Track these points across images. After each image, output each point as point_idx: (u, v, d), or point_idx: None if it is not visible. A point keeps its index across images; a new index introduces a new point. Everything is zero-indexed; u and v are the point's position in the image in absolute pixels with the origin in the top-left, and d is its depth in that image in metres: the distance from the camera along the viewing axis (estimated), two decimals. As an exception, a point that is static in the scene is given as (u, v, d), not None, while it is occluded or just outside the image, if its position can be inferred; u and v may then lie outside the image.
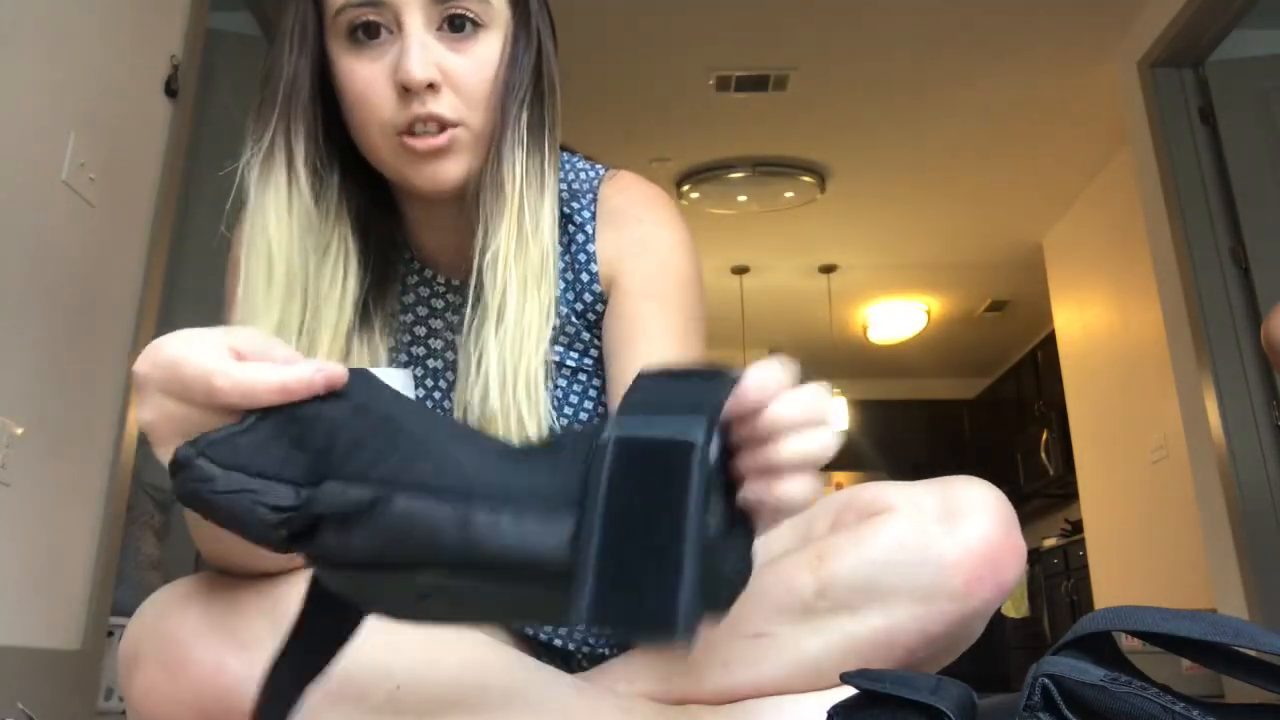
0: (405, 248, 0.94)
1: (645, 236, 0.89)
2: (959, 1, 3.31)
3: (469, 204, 0.84)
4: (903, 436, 7.17)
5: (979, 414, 7.28)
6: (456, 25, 0.80)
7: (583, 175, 0.93)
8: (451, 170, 0.81)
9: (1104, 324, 4.49)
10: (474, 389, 0.80)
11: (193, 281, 2.62)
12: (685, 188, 4.51)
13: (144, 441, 2.30)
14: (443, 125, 0.80)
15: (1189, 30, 3.08)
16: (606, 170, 0.95)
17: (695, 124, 4.06)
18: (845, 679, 0.66)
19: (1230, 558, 2.89)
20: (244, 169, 0.83)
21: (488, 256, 0.82)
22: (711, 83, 3.78)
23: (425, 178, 0.82)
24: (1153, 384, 3.85)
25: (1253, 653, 0.56)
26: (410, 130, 0.80)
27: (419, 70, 0.77)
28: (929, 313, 6.13)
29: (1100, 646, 0.58)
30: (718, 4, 3.34)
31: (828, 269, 5.52)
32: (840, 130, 4.13)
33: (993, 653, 5.74)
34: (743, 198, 4.64)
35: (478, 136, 0.82)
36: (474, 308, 0.83)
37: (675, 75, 3.74)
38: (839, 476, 6.89)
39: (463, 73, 0.80)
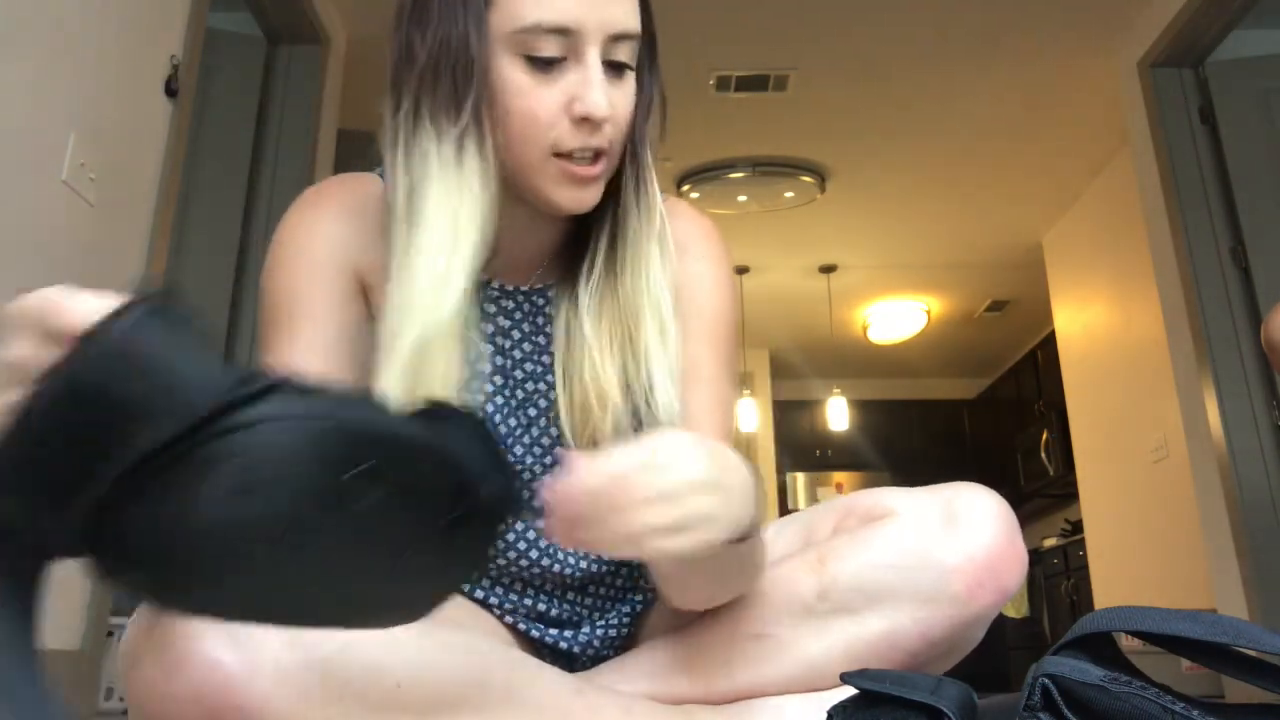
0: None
1: (701, 275, 0.94)
2: (959, 2, 3.31)
3: (594, 216, 0.89)
4: (903, 436, 7.16)
5: (979, 414, 7.28)
6: (617, 65, 0.84)
7: None
8: (594, 195, 0.85)
9: (1104, 324, 4.49)
10: (608, 392, 0.86)
11: (193, 281, 2.62)
12: (685, 188, 4.51)
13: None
14: (596, 153, 0.83)
15: (1189, 30, 3.07)
16: (661, 195, 0.96)
17: (695, 124, 4.06)
18: (845, 679, 0.66)
19: (1230, 558, 2.89)
20: (432, 156, 0.81)
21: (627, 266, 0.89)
22: (711, 83, 3.78)
23: (570, 199, 0.84)
24: (1153, 384, 3.85)
25: (1253, 653, 0.56)
26: (569, 154, 0.82)
27: (604, 106, 0.80)
28: (929, 313, 6.12)
29: (1100, 646, 0.59)
30: (718, 4, 3.34)
31: (828, 269, 5.52)
32: (840, 130, 4.13)
33: (993, 653, 5.74)
34: (743, 198, 4.64)
35: (615, 162, 0.86)
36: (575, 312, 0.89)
37: (675, 75, 3.73)
38: (840, 478, 6.89)
39: (622, 107, 0.84)
